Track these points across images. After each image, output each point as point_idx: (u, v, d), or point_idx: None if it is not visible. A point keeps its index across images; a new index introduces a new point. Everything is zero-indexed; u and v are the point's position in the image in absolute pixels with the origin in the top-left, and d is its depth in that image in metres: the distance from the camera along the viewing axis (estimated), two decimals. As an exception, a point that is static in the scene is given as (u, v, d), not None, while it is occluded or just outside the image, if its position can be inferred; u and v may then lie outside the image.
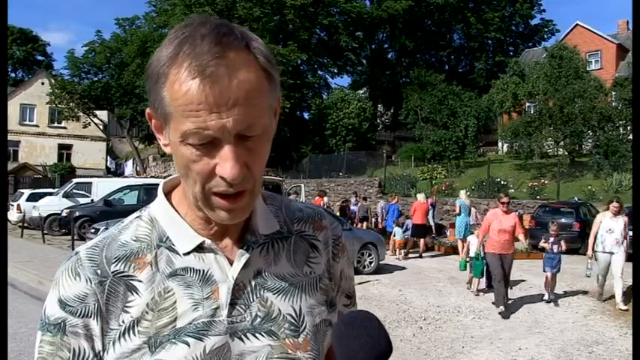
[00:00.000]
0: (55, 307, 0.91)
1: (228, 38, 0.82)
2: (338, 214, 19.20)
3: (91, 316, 0.90)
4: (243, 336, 0.92)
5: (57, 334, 0.90)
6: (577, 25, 39.10)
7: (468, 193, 23.09)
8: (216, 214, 0.89)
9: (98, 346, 0.90)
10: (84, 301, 0.90)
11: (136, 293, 0.91)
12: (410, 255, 15.45)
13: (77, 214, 18.12)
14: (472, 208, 16.05)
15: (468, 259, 10.81)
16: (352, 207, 20.85)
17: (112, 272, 0.92)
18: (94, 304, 0.90)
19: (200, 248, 0.94)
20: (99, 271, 0.92)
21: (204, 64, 0.79)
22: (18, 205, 22.62)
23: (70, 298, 0.91)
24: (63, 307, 0.90)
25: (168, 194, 1.00)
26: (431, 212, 17.64)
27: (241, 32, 0.85)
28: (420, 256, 15.31)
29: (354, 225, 17.99)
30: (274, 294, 0.96)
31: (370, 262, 12.37)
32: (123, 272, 0.92)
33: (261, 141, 0.86)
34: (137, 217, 1.00)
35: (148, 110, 0.90)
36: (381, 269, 12.52)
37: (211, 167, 0.83)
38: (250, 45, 0.84)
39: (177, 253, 0.94)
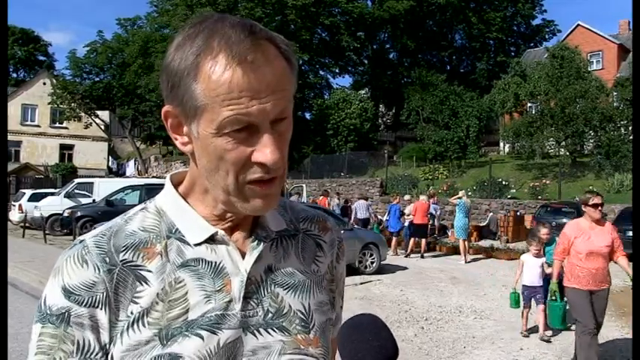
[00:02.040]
0: (57, 296, 0.86)
1: (256, 28, 0.85)
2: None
3: (98, 306, 0.86)
4: (255, 331, 0.91)
5: (60, 325, 0.85)
6: (578, 25, 39.08)
7: (470, 193, 23.20)
8: (251, 205, 0.88)
9: (105, 338, 0.87)
10: (91, 289, 0.86)
11: (146, 283, 0.89)
12: (411, 255, 15.47)
13: (79, 214, 18.15)
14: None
15: (517, 291, 7.50)
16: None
17: (121, 261, 0.89)
18: (103, 293, 0.87)
19: (212, 240, 0.93)
20: (107, 259, 0.89)
21: (242, 52, 0.81)
22: (19, 206, 22.66)
23: (76, 286, 0.86)
24: (68, 296, 0.86)
25: (176, 187, 0.99)
26: (437, 214, 17.73)
27: (263, 27, 0.88)
28: (422, 257, 15.30)
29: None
30: (285, 290, 0.96)
31: (372, 262, 12.37)
32: (132, 261, 0.90)
33: (288, 126, 0.88)
34: (143, 208, 0.98)
35: (166, 109, 0.89)
36: (382, 269, 12.52)
37: (247, 155, 0.84)
38: (274, 36, 0.87)
39: (188, 244, 0.92)
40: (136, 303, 0.88)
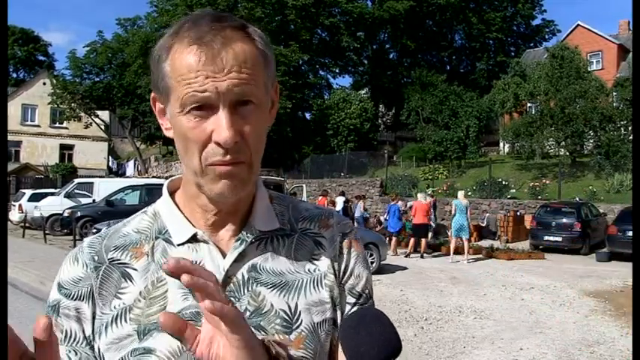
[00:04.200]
0: (54, 291, 0.96)
1: (226, 18, 0.89)
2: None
3: (82, 300, 0.93)
4: None
5: (52, 314, 0.94)
6: (578, 25, 39.09)
7: (470, 193, 23.21)
8: (215, 187, 0.90)
9: (88, 329, 0.93)
10: (78, 284, 0.94)
11: (130, 281, 0.94)
12: (411, 255, 15.48)
13: (79, 214, 18.16)
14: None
15: None
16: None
17: (109, 259, 0.96)
18: (87, 288, 0.94)
19: (194, 239, 0.96)
20: (96, 257, 0.96)
21: (202, 35, 0.86)
22: (20, 206, 22.67)
23: (66, 281, 0.95)
24: (59, 290, 0.95)
25: (172, 193, 1.03)
26: (432, 213, 17.69)
27: (238, 18, 0.92)
28: (422, 257, 15.31)
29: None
30: (268, 289, 0.96)
31: (372, 262, 12.37)
32: (119, 260, 0.96)
33: (256, 112, 0.89)
34: (143, 211, 1.04)
35: (152, 94, 0.96)
36: (382, 269, 12.52)
37: (207, 134, 0.87)
38: (246, 26, 0.91)
39: (173, 245, 0.97)
40: (120, 298, 0.94)
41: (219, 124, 0.85)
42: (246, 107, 0.88)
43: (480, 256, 15.61)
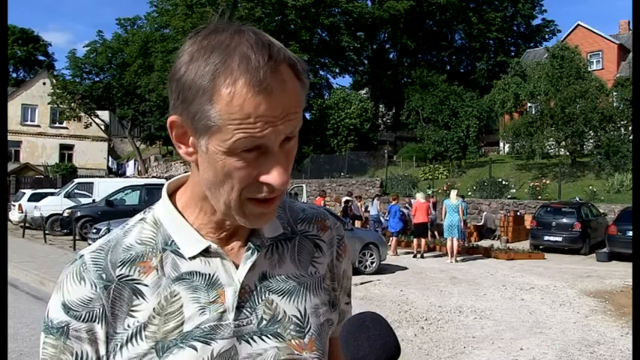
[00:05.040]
0: (58, 311, 0.90)
1: (274, 49, 0.83)
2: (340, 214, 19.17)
3: (95, 321, 0.90)
4: (249, 339, 0.93)
5: (59, 337, 0.90)
6: (578, 25, 39.09)
7: (470, 193, 23.21)
8: (249, 220, 0.89)
9: (102, 350, 0.90)
10: (88, 305, 0.90)
11: (142, 297, 0.92)
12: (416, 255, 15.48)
13: (79, 214, 18.19)
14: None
15: None
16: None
17: (117, 276, 0.92)
18: (100, 309, 0.90)
19: (206, 252, 0.94)
20: (104, 275, 0.91)
21: (261, 79, 0.80)
22: (19, 206, 22.70)
23: (74, 302, 0.90)
24: (67, 312, 0.90)
25: (172, 196, 1.00)
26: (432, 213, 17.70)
27: (277, 42, 0.86)
28: (422, 257, 15.31)
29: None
30: (279, 296, 0.97)
31: (372, 263, 12.38)
32: (128, 276, 0.92)
33: (295, 143, 0.89)
34: (141, 219, 0.99)
35: (173, 119, 0.87)
36: (382, 269, 12.52)
37: (255, 175, 0.85)
38: (288, 56, 0.86)
39: (183, 257, 0.94)
40: (133, 317, 0.91)
41: (274, 168, 0.85)
42: (290, 142, 0.87)
43: (480, 255, 15.62)
